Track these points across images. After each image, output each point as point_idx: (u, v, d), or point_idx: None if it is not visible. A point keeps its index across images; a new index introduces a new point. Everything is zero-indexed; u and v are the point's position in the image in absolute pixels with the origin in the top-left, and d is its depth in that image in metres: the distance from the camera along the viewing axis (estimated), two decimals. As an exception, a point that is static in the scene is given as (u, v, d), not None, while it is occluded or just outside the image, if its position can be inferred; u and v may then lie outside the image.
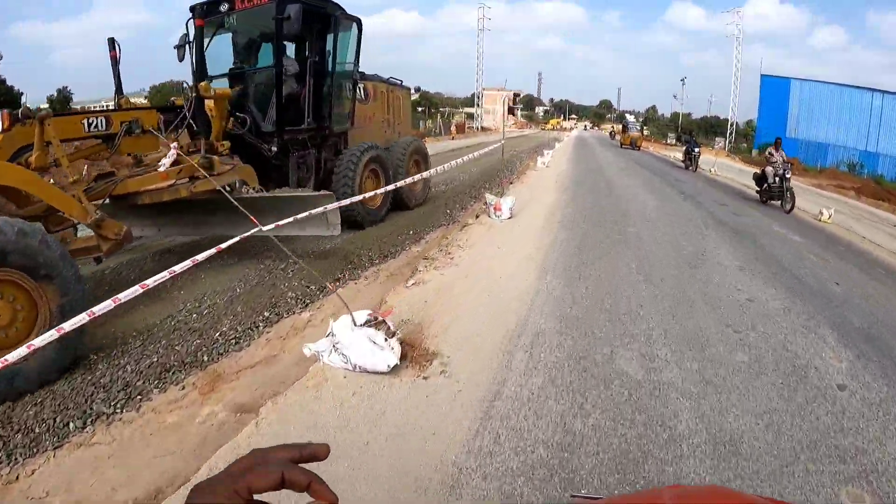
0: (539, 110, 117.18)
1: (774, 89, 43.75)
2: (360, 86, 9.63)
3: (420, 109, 61.73)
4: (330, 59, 8.19)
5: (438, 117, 47.37)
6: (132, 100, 10.20)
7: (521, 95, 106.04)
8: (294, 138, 7.96)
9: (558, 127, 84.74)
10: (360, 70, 9.67)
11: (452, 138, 39.97)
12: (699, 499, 0.76)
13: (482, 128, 60.48)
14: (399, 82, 11.08)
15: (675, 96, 61.11)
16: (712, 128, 75.52)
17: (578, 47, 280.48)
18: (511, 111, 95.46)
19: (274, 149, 7.56)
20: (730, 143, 50.56)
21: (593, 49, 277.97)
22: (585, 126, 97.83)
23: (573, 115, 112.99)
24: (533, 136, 49.80)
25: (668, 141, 55.56)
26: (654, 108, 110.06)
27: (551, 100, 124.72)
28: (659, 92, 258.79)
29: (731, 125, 52.95)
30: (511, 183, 12.81)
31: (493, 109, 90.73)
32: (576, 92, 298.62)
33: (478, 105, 59.29)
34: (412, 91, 11.80)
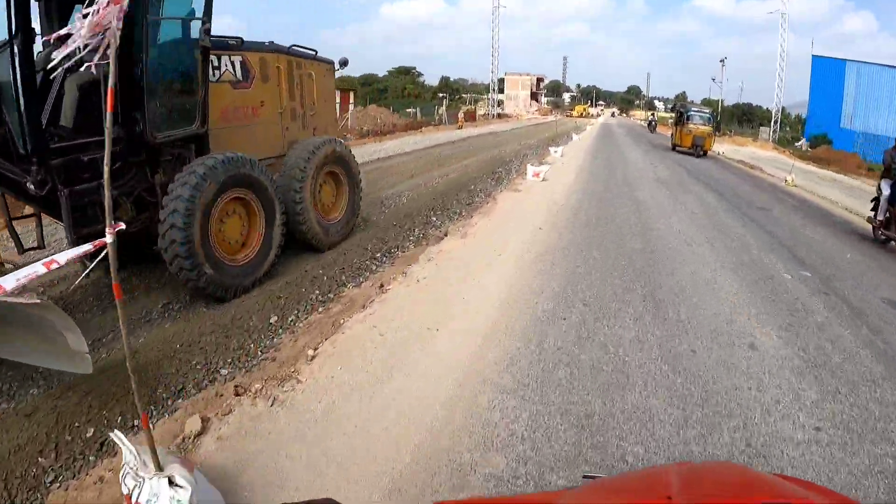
0: (566, 96, 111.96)
1: (827, 72, 38.81)
2: (235, 60, 6.25)
3: (441, 96, 58.05)
4: (144, 18, 4.80)
5: (445, 103, 43.28)
6: None
7: (547, 81, 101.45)
8: (77, 161, 4.63)
9: (585, 114, 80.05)
10: (238, 37, 6.38)
11: (460, 127, 36.29)
12: (707, 473, 0.82)
13: (499, 115, 56.46)
14: (313, 53, 7.59)
15: (713, 79, 55.54)
16: (744, 115, 70.72)
17: (605, 33, 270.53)
18: (535, 97, 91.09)
19: (31, 186, 4.30)
20: (775, 132, 45.58)
21: (621, 35, 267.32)
22: (613, 113, 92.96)
23: (601, 102, 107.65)
24: (554, 125, 45.48)
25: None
26: (683, 94, 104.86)
27: (578, 86, 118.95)
28: (689, 78, 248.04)
29: (777, 113, 47.82)
30: (441, 238, 6.95)
31: (515, 95, 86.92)
32: (603, 78, 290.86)
33: (493, 90, 55.00)
34: (336, 66, 8.20)
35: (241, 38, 6.35)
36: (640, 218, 8.59)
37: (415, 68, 77.69)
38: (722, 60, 54.61)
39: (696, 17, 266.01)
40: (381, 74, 75.78)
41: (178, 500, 2.08)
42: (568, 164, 15.65)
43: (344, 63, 8.11)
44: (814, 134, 38.58)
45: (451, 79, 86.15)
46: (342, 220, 7.17)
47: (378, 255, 6.54)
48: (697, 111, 24.22)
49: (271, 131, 6.81)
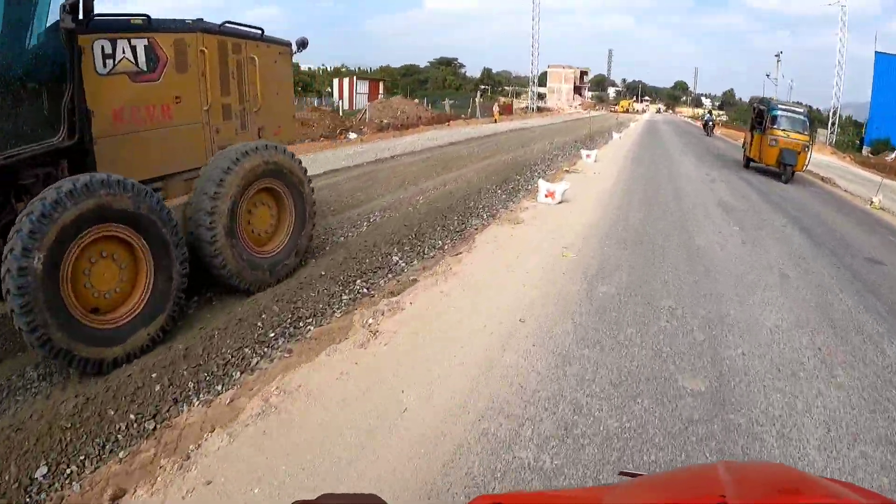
0: (611, 91, 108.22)
1: (891, 71, 35.35)
2: (137, 44, 4.80)
3: (482, 88, 56.11)
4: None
5: (478, 96, 41.23)
6: None
7: (591, 75, 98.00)
8: None
9: (631, 109, 76.73)
10: (144, 15, 4.94)
11: (495, 121, 34.47)
12: (757, 473, 0.77)
13: (538, 108, 54.13)
14: (257, 32, 6.05)
15: (767, 75, 51.66)
16: (794, 116, 66.36)
17: (651, 26, 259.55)
18: (578, 91, 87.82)
19: None
20: (832, 134, 41.92)
21: (667, 28, 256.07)
22: (659, 109, 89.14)
23: (646, 97, 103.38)
24: (594, 121, 42.91)
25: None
26: (731, 91, 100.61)
27: (623, 80, 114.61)
28: (736, 75, 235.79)
29: (835, 114, 44.01)
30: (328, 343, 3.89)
31: (557, 88, 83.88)
32: (649, 72, 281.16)
33: (533, 82, 52.72)
34: (293, 48, 6.59)
35: (148, 16, 4.89)
36: (700, 298, 5.13)
37: (456, 59, 76.03)
38: (777, 55, 50.86)
39: (743, 11, 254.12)
40: (422, 65, 74.24)
41: None
42: (601, 173, 12.92)
43: (302, 44, 6.54)
44: (875, 138, 35.22)
45: (494, 71, 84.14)
46: (283, 251, 5.62)
47: (272, 333, 4.24)
48: (787, 111, 15.57)
49: (192, 136, 5.35)
